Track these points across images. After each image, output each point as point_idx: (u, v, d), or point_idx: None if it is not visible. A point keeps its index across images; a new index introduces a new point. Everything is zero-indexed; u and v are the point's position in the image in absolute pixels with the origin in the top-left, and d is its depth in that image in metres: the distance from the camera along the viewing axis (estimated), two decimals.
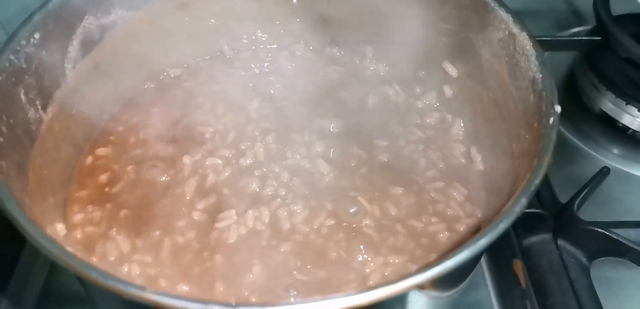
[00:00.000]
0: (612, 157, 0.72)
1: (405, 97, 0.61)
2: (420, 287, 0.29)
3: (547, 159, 0.35)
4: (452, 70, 0.57)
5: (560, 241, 0.58)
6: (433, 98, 0.60)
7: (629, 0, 0.79)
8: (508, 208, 0.32)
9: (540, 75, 0.42)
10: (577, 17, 0.96)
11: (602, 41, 0.75)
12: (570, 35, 0.88)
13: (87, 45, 0.50)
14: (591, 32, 0.79)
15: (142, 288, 0.28)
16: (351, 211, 0.50)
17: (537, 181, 0.34)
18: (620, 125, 0.74)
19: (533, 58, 0.43)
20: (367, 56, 0.64)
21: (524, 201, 0.33)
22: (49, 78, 0.46)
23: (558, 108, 0.39)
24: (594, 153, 0.73)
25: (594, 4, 0.77)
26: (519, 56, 0.46)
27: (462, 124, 0.57)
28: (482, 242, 0.31)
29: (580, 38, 0.81)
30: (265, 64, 0.64)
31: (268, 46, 0.65)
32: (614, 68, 0.75)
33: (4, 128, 0.38)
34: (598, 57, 0.77)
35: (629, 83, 0.73)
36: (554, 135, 0.37)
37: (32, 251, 0.55)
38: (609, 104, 0.74)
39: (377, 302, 0.30)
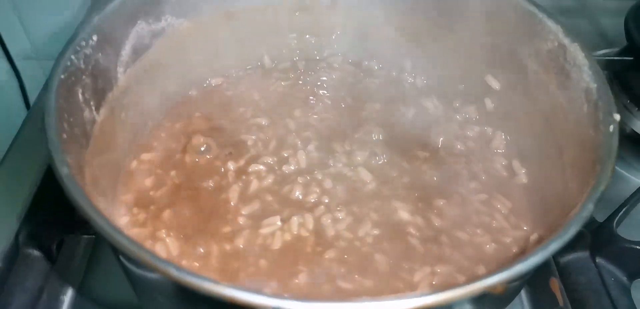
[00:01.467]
0: None
1: (444, 110, 0.61)
2: (493, 289, 0.29)
3: (610, 166, 0.35)
4: (495, 83, 0.57)
5: (598, 260, 0.58)
6: (472, 112, 0.60)
7: None
8: (576, 212, 0.32)
9: (595, 85, 0.42)
10: (605, 39, 0.96)
11: (634, 61, 0.75)
12: (599, 57, 0.88)
13: (138, 50, 0.51)
14: (622, 53, 0.79)
15: (216, 282, 0.28)
16: (395, 220, 0.50)
17: (603, 187, 0.34)
18: None
19: (586, 68, 0.44)
20: (406, 69, 0.64)
21: (591, 206, 0.33)
22: (103, 80, 0.47)
23: (617, 116, 0.39)
24: (626, 173, 0.73)
25: (626, 26, 0.77)
26: (569, 67, 0.46)
27: (503, 137, 0.57)
28: (553, 246, 0.31)
29: (611, 58, 0.81)
30: (305, 75, 0.64)
31: (307, 57, 0.66)
32: None
33: (66, 126, 0.39)
34: (629, 77, 0.77)
35: None
36: (616, 142, 0.37)
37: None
38: None
39: (446, 303, 0.30)
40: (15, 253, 0.56)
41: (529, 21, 0.50)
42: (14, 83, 1.21)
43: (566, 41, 0.46)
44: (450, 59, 0.60)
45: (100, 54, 0.45)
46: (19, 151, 0.66)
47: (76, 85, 0.42)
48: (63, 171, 0.33)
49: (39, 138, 0.65)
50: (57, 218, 0.59)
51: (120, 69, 0.49)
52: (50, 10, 1.11)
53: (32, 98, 1.21)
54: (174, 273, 0.28)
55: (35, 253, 0.57)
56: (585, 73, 0.44)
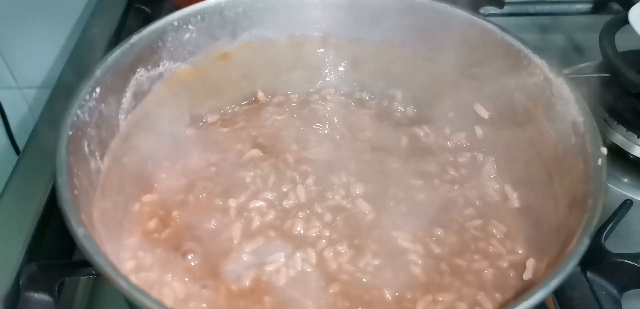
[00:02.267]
0: (625, 188, 0.74)
1: (435, 137, 0.63)
2: None
3: (601, 199, 0.37)
4: (483, 112, 0.59)
5: (589, 275, 0.60)
6: (463, 139, 0.62)
7: (631, 37, 0.83)
8: (573, 247, 0.34)
9: (582, 118, 0.44)
10: (580, 53, 0.99)
11: (611, 78, 0.79)
12: (576, 72, 0.91)
13: (138, 96, 0.52)
14: (598, 69, 0.82)
15: None
16: (396, 249, 0.52)
17: (596, 220, 0.36)
18: (632, 157, 0.76)
19: (572, 101, 0.46)
20: (396, 99, 0.66)
21: (587, 240, 0.35)
22: (106, 130, 0.48)
23: (604, 150, 0.41)
24: (609, 186, 0.75)
25: (601, 43, 0.80)
26: (556, 100, 0.48)
27: (494, 164, 0.59)
28: (554, 282, 0.32)
29: (589, 75, 0.83)
30: (299, 108, 0.66)
31: (300, 91, 0.67)
32: (623, 103, 0.78)
33: (76, 181, 0.39)
34: (607, 92, 0.80)
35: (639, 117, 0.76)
36: (604, 176, 0.39)
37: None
38: (620, 137, 0.77)
39: None
40: (16, 296, 0.56)
41: (514, 55, 0.53)
42: None
43: (551, 75, 0.49)
44: (438, 89, 0.62)
45: (103, 105, 0.46)
46: (14, 191, 0.66)
47: (82, 138, 0.43)
48: (79, 232, 0.34)
49: (34, 176, 0.65)
50: (57, 260, 0.59)
51: (121, 116, 0.50)
52: (30, 39, 1.11)
53: (14, 127, 1.20)
54: None
55: (36, 295, 0.57)
56: (571, 107, 0.46)
